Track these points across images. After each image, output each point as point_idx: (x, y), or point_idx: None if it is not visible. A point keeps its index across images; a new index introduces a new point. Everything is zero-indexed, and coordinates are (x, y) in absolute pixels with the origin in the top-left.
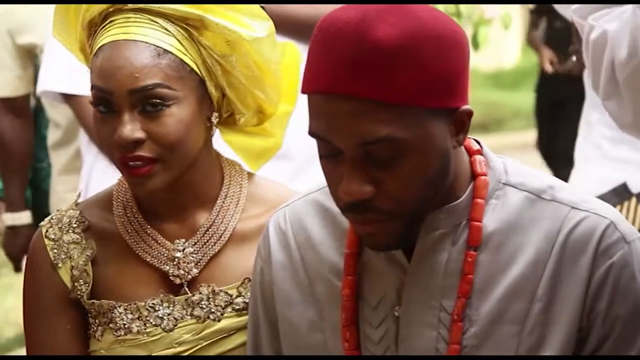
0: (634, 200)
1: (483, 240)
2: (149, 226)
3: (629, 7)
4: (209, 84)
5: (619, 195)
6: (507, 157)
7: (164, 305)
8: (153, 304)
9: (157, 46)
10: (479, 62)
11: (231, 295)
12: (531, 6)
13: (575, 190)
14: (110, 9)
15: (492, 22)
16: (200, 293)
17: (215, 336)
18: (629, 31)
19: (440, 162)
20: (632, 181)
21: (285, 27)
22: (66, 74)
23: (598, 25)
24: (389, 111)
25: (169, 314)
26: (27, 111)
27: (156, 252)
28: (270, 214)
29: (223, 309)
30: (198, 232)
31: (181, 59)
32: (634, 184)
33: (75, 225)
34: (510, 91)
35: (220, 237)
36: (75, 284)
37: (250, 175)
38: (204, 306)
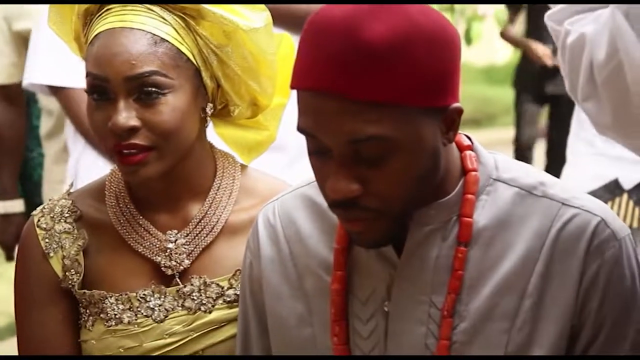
0: (625, 196)
1: (473, 236)
2: (141, 217)
3: (605, 11)
4: (205, 74)
5: (611, 191)
6: (499, 152)
7: (155, 296)
8: (144, 294)
9: (154, 34)
10: (471, 57)
11: (222, 287)
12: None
13: (566, 186)
14: None
15: (486, 18)
16: (192, 284)
17: (206, 328)
18: (607, 32)
19: (429, 161)
20: (624, 177)
21: (288, 20)
22: (53, 66)
23: (574, 29)
24: (378, 110)
25: (160, 305)
26: (21, 98)
27: (148, 243)
28: (262, 206)
29: (214, 300)
30: (190, 224)
31: (178, 48)
32: (625, 181)
33: (67, 215)
34: (502, 87)
35: (213, 228)
36: (67, 273)
37: (243, 167)
38: (195, 297)
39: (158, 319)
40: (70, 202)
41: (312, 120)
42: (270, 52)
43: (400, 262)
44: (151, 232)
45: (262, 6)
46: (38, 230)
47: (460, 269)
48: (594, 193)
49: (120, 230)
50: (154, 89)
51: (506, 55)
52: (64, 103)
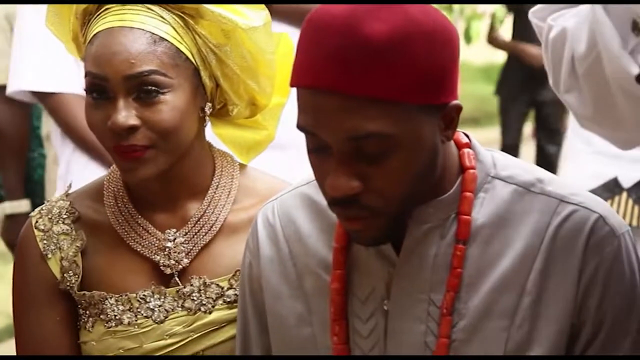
0: (624, 195)
1: (472, 233)
2: (139, 216)
3: (586, 6)
4: (203, 74)
5: (610, 190)
6: (496, 150)
7: (155, 296)
8: (144, 295)
9: (153, 33)
10: (470, 56)
11: (222, 288)
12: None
13: (564, 183)
14: None
15: (485, 16)
16: (192, 285)
17: (206, 328)
18: (587, 26)
19: (428, 158)
20: (623, 176)
21: (296, 17)
22: (39, 71)
23: (557, 24)
24: (377, 107)
25: (159, 306)
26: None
27: (147, 242)
28: (262, 205)
29: (214, 301)
30: (189, 222)
31: (177, 47)
32: (625, 179)
33: (65, 216)
34: None
35: (211, 227)
36: (65, 275)
37: (242, 166)
38: (195, 298)
39: (158, 319)
40: (68, 203)
41: (311, 117)
42: (269, 51)
43: (399, 260)
44: (150, 231)
45: (261, 5)
46: (36, 232)
47: (459, 266)
48: (593, 192)
49: (119, 230)
50: (153, 88)
51: (505, 54)
52: (52, 109)
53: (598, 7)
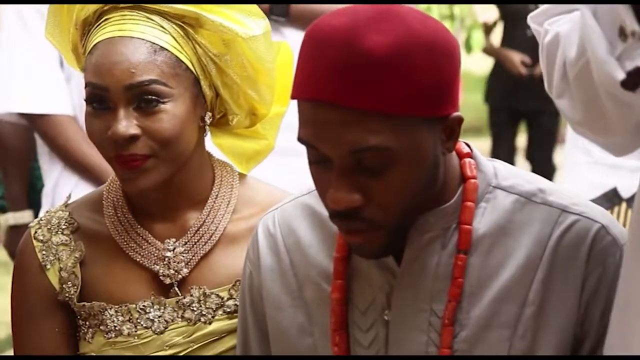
0: (624, 205)
1: (473, 243)
2: (139, 226)
3: (578, 11)
4: (203, 83)
5: (610, 200)
6: (498, 160)
7: (155, 307)
8: (144, 306)
9: (153, 43)
10: (472, 65)
11: (222, 298)
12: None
13: (566, 192)
14: (105, 8)
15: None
16: (191, 295)
17: (206, 339)
18: (578, 31)
19: (429, 170)
20: (622, 186)
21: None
22: (28, 93)
23: (552, 29)
24: (378, 120)
25: (159, 316)
26: None
27: (146, 252)
28: (262, 215)
29: (214, 311)
30: (189, 232)
31: (177, 57)
32: (624, 189)
33: (64, 227)
34: None
35: (211, 237)
36: (64, 286)
37: (242, 176)
38: (195, 309)
39: (158, 330)
40: (68, 213)
41: (312, 130)
42: (269, 60)
43: (400, 270)
44: (149, 240)
45: (261, 14)
46: (35, 242)
47: (460, 276)
48: (592, 202)
49: (118, 240)
50: (153, 98)
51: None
52: (43, 131)
53: (587, 12)
